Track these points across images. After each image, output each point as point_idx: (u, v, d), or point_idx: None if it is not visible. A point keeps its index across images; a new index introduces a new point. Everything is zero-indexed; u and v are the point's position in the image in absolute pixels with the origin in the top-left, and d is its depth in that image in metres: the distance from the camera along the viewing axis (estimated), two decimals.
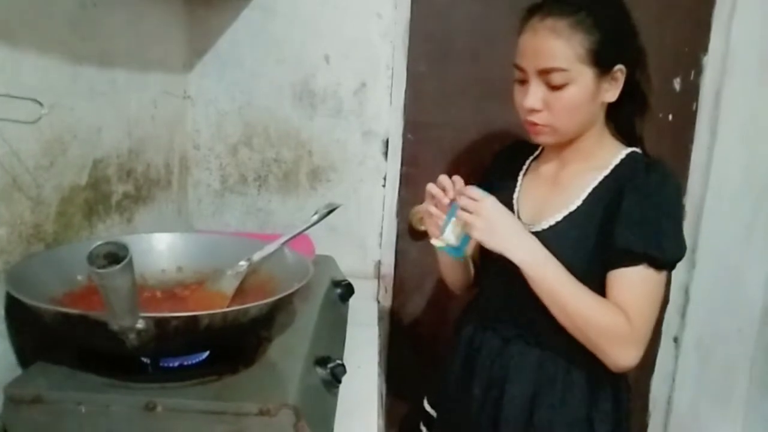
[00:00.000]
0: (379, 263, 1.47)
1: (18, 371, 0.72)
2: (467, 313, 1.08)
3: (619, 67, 0.88)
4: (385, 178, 1.42)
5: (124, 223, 1.05)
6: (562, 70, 0.85)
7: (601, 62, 0.86)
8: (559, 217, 0.92)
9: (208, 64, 1.37)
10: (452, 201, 0.89)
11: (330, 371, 0.77)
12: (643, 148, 0.95)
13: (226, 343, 0.73)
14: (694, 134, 1.44)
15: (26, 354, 0.74)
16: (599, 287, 0.87)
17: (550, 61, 0.85)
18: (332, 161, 1.42)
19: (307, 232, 0.94)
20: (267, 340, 0.79)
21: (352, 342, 1.04)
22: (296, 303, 0.92)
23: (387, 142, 1.41)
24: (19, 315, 0.72)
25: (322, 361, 0.78)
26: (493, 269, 0.99)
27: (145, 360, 0.71)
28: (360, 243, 1.45)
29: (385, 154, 1.42)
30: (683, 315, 1.51)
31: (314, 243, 1.25)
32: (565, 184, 0.95)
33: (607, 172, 0.91)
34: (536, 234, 0.90)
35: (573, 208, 0.91)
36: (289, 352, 0.77)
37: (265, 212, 1.45)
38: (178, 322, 0.61)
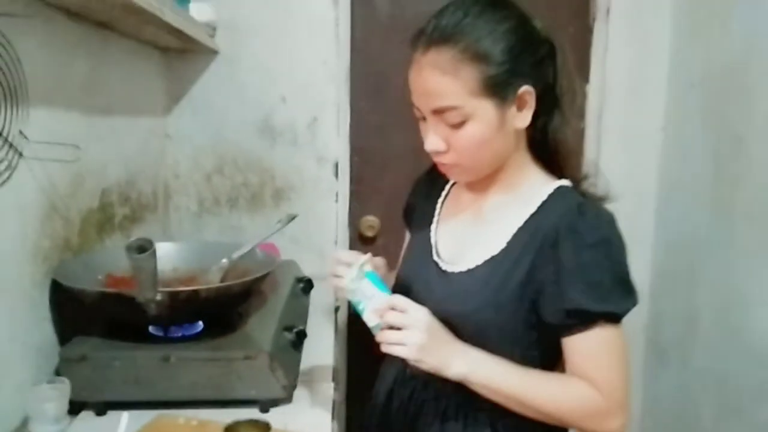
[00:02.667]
0: None
1: (57, 347, 0.97)
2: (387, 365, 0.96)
3: (525, 89, 0.76)
4: (337, 195, 1.71)
5: (125, 238, 1.30)
6: (456, 108, 0.75)
7: (499, 91, 0.75)
8: (479, 260, 0.81)
9: (184, 107, 1.64)
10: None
11: (295, 334, 1.04)
12: (572, 173, 0.83)
13: (216, 312, 0.99)
14: (584, 146, 1.77)
15: (64, 333, 0.98)
16: (524, 346, 0.79)
17: (439, 100, 0.76)
18: (292, 183, 1.70)
19: (273, 241, 1.20)
20: (246, 315, 1.06)
21: (313, 324, 1.31)
22: (267, 292, 1.19)
23: (337, 165, 1.70)
24: (61, 301, 0.97)
25: (288, 328, 1.05)
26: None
27: (157, 333, 0.97)
28: (318, 250, 1.72)
29: (336, 175, 1.70)
30: None
31: (280, 251, 1.52)
32: (488, 218, 0.85)
33: (533, 209, 0.80)
34: (453, 276, 0.83)
35: (496, 251, 0.80)
36: (264, 323, 1.04)
37: (237, 228, 1.71)
38: (185, 294, 0.88)
